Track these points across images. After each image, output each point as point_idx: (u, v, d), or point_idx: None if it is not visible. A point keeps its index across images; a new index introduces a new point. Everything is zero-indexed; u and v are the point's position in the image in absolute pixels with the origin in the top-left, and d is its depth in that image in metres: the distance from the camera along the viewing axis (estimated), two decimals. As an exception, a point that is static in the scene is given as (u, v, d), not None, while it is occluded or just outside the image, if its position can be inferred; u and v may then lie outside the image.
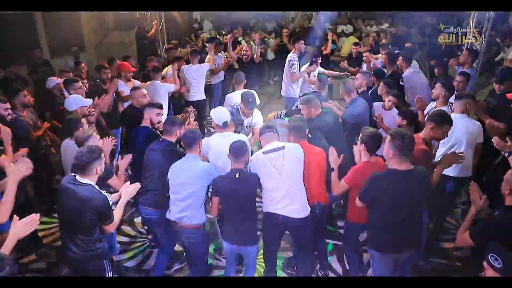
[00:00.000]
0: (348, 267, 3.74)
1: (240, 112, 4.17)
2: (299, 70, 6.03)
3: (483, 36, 6.75)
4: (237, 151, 2.97)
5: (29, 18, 7.82)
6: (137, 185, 2.95)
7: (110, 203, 2.64)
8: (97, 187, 2.61)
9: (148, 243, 4.25)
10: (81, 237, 2.61)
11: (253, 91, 4.29)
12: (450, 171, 3.59)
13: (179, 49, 7.72)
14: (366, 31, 10.83)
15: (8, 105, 3.87)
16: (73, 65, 6.84)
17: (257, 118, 4.30)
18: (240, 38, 9.25)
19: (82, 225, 2.58)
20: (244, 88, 4.92)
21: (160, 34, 8.36)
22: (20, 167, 2.51)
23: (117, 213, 2.77)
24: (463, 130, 3.70)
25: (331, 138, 3.64)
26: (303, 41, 6.16)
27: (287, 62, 6.03)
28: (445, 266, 3.80)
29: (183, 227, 3.08)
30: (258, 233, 3.24)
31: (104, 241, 2.80)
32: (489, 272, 1.99)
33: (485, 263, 2.00)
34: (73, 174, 2.63)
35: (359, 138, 3.10)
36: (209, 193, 3.27)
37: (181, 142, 3.26)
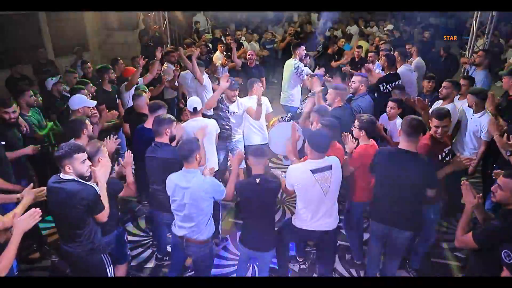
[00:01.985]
0: (352, 254, 3.90)
1: (225, 99, 4.42)
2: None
3: (485, 36, 6.75)
4: (259, 153, 2.96)
5: (33, 18, 7.88)
6: (107, 161, 2.87)
7: (98, 192, 2.67)
8: (80, 180, 2.64)
9: (151, 242, 4.28)
10: (75, 231, 2.64)
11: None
12: None
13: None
14: (370, 32, 10.80)
15: (10, 109, 3.75)
16: (79, 64, 6.89)
17: (245, 102, 4.50)
18: (243, 39, 9.25)
19: (74, 219, 2.62)
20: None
21: (164, 34, 8.42)
22: (26, 219, 2.33)
23: (104, 200, 2.73)
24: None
25: (343, 131, 3.67)
26: (304, 47, 6.01)
27: (292, 70, 5.83)
28: (445, 266, 3.81)
29: (189, 241, 3.01)
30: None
31: (99, 234, 2.81)
32: (506, 273, 2.02)
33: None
34: (57, 174, 2.67)
35: (355, 125, 3.44)
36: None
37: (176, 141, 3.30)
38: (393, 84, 5.16)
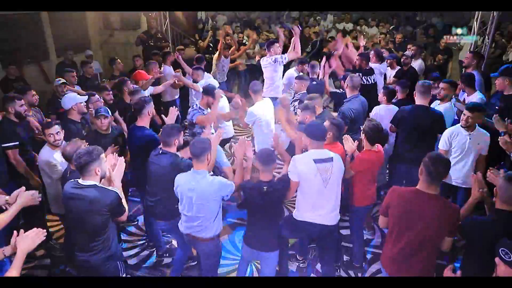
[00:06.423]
0: (352, 257, 3.86)
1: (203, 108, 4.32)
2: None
3: (486, 37, 6.72)
4: (269, 159, 2.89)
5: (35, 18, 7.89)
6: (120, 160, 2.88)
7: (120, 195, 2.63)
8: (102, 185, 2.60)
9: (147, 243, 4.25)
10: (94, 238, 2.59)
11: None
12: (457, 182, 3.83)
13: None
14: (366, 31, 10.73)
15: (23, 102, 3.85)
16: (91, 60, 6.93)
17: (222, 103, 4.59)
18: (245, 39, 9.25)
19: (95, 225, 2.56)
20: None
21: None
22: (32, 238, 2.20)
23: (123, 200, 2.71)
24: (472, 141, 3.66)
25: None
26: (278, 44, 5.94)
27: (269, 65, 5.75)
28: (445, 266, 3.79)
29: (196, 239, 3.04)
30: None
31: (116, 241, 2.80)
32: (501, 268, 1.98)
33: (496, 259, 1.99)
34: (74, 180, 2.61)
35: (363, 127, 3.44)
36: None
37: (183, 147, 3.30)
38: (368, 77, 5.43)
